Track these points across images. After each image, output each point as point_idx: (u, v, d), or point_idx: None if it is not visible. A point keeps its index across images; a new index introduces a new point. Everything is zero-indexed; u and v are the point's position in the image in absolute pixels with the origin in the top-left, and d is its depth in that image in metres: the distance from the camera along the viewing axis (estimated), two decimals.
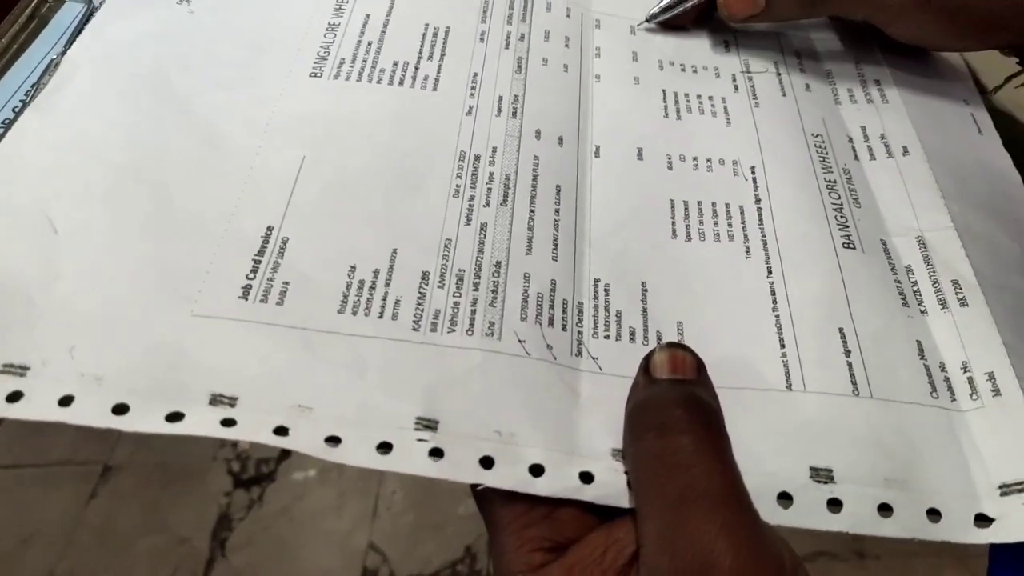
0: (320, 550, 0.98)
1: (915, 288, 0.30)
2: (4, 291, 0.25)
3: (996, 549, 0.34)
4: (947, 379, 0.27)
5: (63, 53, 0.33)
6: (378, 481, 1.03)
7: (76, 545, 0.97)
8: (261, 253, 0.27)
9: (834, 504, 0.24)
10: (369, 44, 0.35)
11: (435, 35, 0.36)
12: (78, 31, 0.34)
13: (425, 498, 1.02)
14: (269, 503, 1.01)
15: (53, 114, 0.30)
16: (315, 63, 0.34)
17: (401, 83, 0.34)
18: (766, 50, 0.39)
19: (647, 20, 0.39)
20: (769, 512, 0.23)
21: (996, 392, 0.27)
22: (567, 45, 0.38)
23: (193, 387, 0.23)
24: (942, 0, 0.35)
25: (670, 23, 0.39)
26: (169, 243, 0.27)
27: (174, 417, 0.23)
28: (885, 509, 0.24)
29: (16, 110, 0.31)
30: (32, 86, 0.32)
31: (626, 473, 0.24)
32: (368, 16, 0.37)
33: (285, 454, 1.05)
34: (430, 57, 0.35)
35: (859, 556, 0.96)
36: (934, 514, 0.24)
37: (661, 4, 0.39)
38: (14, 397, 0.23)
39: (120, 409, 0.23)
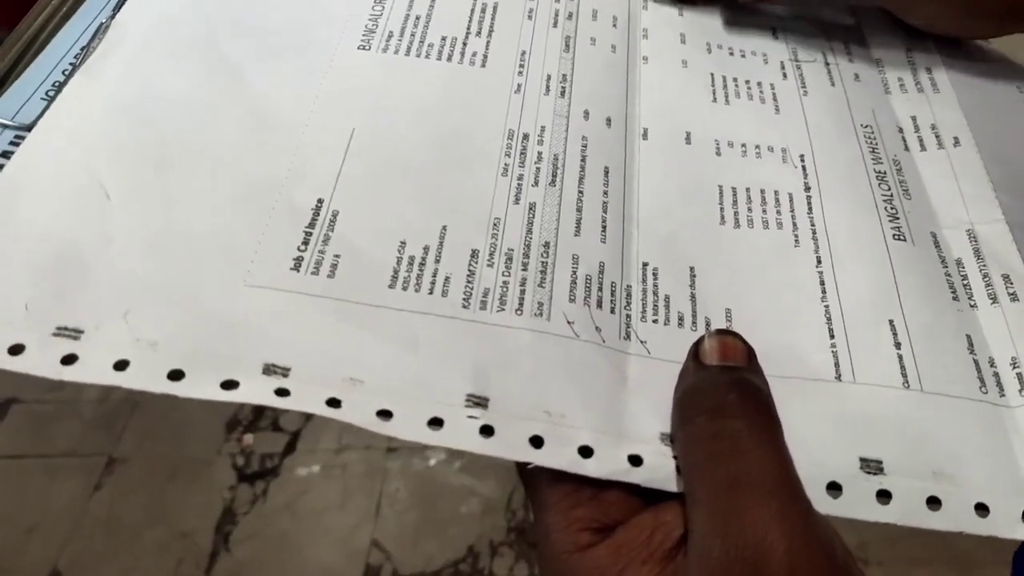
0: (323, 546, 0.97)
1: (965, 282, 0.30)
2: (58, 256, 0.25)
3: (1022, 550, 0.34)
4: (996, 374, 0.27)
5: (112, 16, 0.32)
6: (381, 478, 1.03)
7: (80, 536, 0.96)
8: (312, 225, 0.27)
9: (883, 496, 0.24)
10: (417, 18, 0.35)
11: (483, 11, 0.36)
12: None
13: (428, 496, 1.02)
14: (273, 498, 1.01)
15: (102, 79, 0.30)
16: (363, 36, 0.34)
17: (450, 59, 0.34)
18: (814, 38, 0.39)
19: None
20: (819, 502, 0.23)
21: None
22: (615, 25, 0.37)
23: (247, 356, 0.23)
24: None
25: None
26: (221, 212, 0.27)
27: (229, 385, 0.23)
28: (934, 502, 0.24)
29: (66, 72, 0.31)
30: (82, 49, 0.32)
31: (675, 457, 0.23)
32: None
33: (289, 449, 1.05)
34: (478, 33, 0.35)
35: (863, 563, 0.96)
36: (982, 509, 0.24)
37: None
38: (69, 360, 0.22)
39: (176, 375, 0.22)
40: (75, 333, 0.23)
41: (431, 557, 0.98)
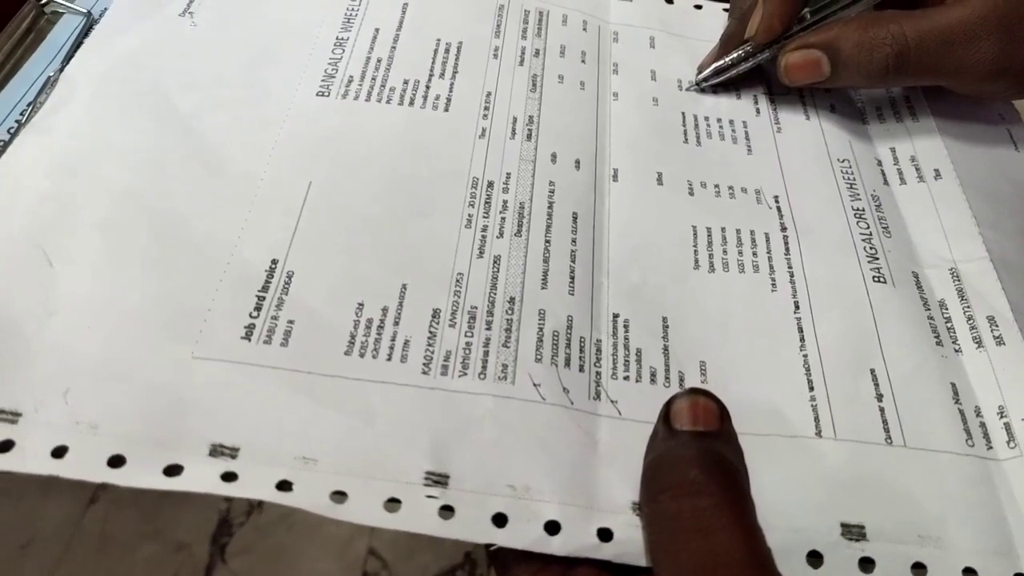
0: (320, 556, 0.97)
1: (949, 325, 0.29)
2: None
3: None
4: (983, 424, 0.26)
5: (61, 69, 0.31)
6: None
7: (75, 551, 0.96)
8: (265, 289, 0.26)
9: (866, 563, 0.23)
10: (379, 61, 0.34)
11: (447, 51, 0.35)
12: (77, 45, 0.33)
13: None
14: (269, 509, 1.00)
15: (50, 136, 0.29)
16: (323, 81, 0.33)
17: (412, 103, 0.33)
18: None
19: (696, 84, 0.36)
20: (799, 573, 0.22)
21: None
22: (584, 60, 0.36)
23: (192, 437, 0.22)
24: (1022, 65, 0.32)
25: (721, 85, 0.37)
26: (169, 278, 0.26)
27: (172, 471, 0.21)
28: (919, 568, 0.23)
29: (12, 131, 0.30)
30: (28, 105, 0.31)
31: (644, 532, 0.22)
32: (378, 31, 0.35)
33: None
34: (442, 75, 0.34)
35: None
36: (970, 573, 0.23)
37: (713, 67, 0.36)
38: (5, 447, 0.21)
39: (116, 461, 0.21)
40: (13, 416, 0.22)
41: (428, 565, 0.97)
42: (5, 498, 1.02)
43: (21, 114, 0.30)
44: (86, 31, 0.35)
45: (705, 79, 0.36)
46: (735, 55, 0.35)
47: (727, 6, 0.40)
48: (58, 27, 0.35)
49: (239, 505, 1.04)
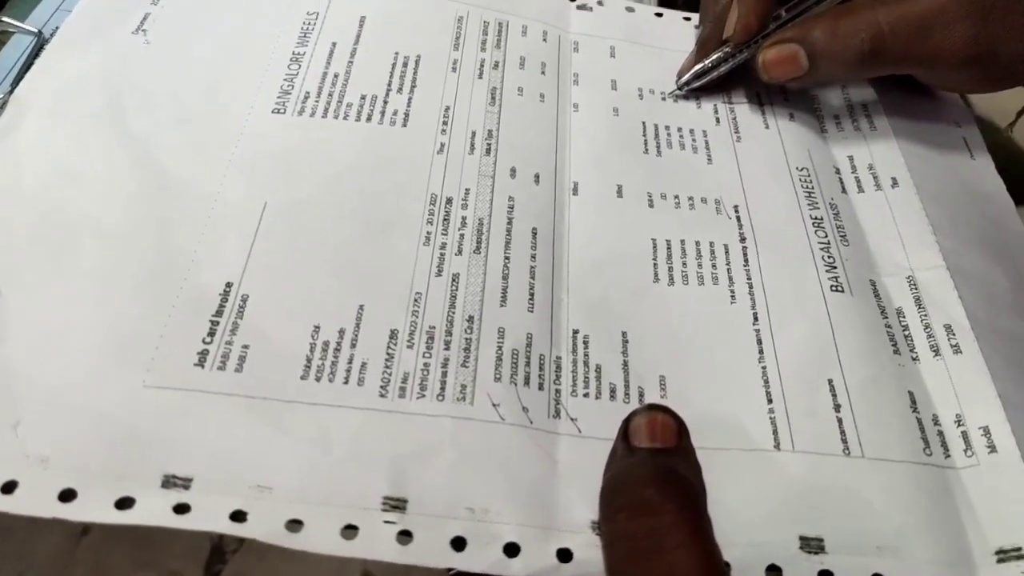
0: None
1: (906, 333, 0.29)
2: None
3: None
4: (940, 433, 0.26)
5: (11, 91, 0.31)
6: None
7: None
8: (219, 313, 0.26)
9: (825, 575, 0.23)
10: (336, 76, 0.34)
11: (405, 65, 0.35)
12: (27, 66, 0.32)
13: None
14: None
15: (1, 161, 0.28)
16: (278, 98, 0.33)
17: (369, 119, 0.32)
18: (748, 77, 0.38)
19: (678, 88, 0.37)
20: None
21: (992, 448, 0.26)
22: (543, 72, 0.36)
23: (145, 468, 0.22)
24: (1009, 55, 0.32)
25: (702, 88, 0.37)
26: (121, 302, 0.25)
27: (124, 503, 0.21)
28: None
29: None
30: None
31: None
32: (335, 45, 0.35)
33: None
34: (400, 89, 0.34)
35: None
36: None
37: (693, 71, 0.36)
38: None
39: (67, 496, 0.21)
40: None
41: None
42: None
43: None
44: (36, 51, 0.34)
45: (687, 83, 0.36)
46: (714, 57, 0.36)
47: (688, 15, 0.41)
48: (8, 47, 0.35)
49: None
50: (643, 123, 0.35)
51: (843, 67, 0.33)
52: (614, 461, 0.23)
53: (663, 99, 0.36)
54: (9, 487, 0.21)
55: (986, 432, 0.26)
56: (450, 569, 0.22)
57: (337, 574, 1.03)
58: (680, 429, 0.23)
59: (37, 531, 1.00)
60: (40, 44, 0.35)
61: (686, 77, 0.36)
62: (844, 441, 0.25)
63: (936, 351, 0.28)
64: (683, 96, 0.36)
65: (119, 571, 1.05)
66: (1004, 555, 0.23)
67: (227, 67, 0.33)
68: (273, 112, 0.32)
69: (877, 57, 0.32)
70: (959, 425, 0.26)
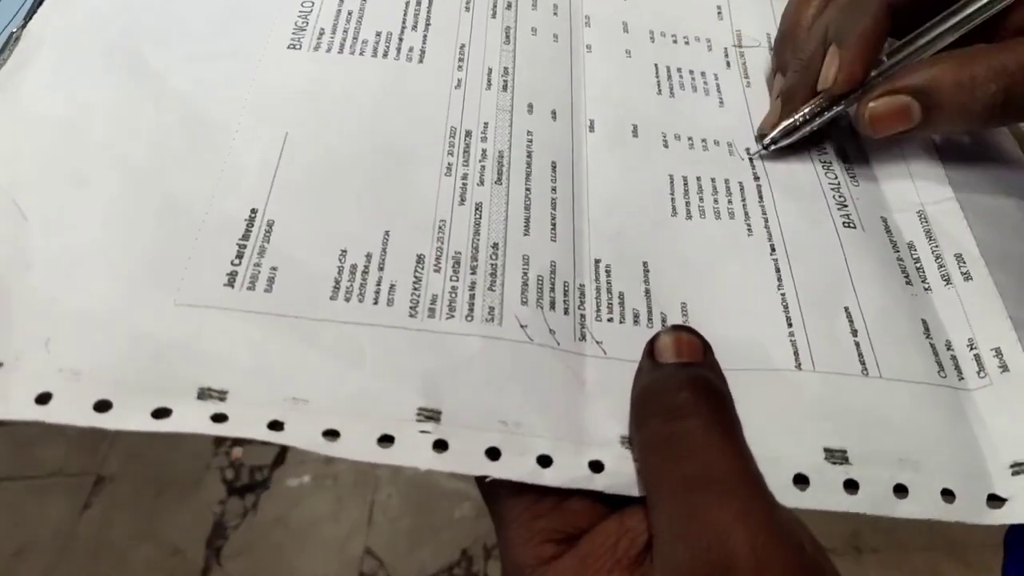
0: (316, 557, 0.97)
1: (918, 265, 0.30)
2: None
3: (1012, 533, 0.33)
4: (954, 357, 0.27)
5: (23, 26, 0.31)
6: (373, 486, 1.02)
7: (70, 557, 0.95)
8: (246, 237, 0.26)
9: (850, 486, 0.23)
10: (350, 13, 0.34)
11: (419, 3, 0.35)
12: (38, 2, 0.32)
13: (421, 502, 1.01)
14: (264, 510, 1.00)
15: (16, 93, 0.29)
16: (293, 34, 0.33)
17: (385, 55, 0.33)
18: (759, 19, 0.38)
19: (764, 148, 0.32)
20: (786, 496, 0.23)
21: (1004, 368, 0.26)
22: (555, 13, 0.37)
23: (179, 381, 0.22)
24: None
25: (792, 146, 0.33)
26: (147, 228, 0.25)
27: (161, 413, 0.21)
28: (900, 490, 0.23)
29: None
30: None
31: (635, 460, 0.23)
32: None
33: (279, 461, 1.04)
34: (414, 27, 0.34)
35: (856, 551, 0.96)
36: (948, 495, 0.23)
37: (782, 127, 0.32)
38: None
39: (102, 406, 0.21)
40: None
41: (425, 563, 0.98)
42: None
43: None
44: None
45: (774, 140, 0.32)
46: (806, 111, 0.31)
47: None
48: None
49: (234, 507, 1.04)
50: (655, 65, 0.36)
51: (968, 119, 0.29)
52: (641, 376, 0.24)
53: (748, 158, 0.33)
54: (43, 398, 0.21)
55: (998, 353, 0.27)
56: (484, 478, 0.22)
57: (339, 550, 1.04)
58: (705, 346, 0.24)
59: (38, 506, 1.01)
60: None
61: (774, 134, 0.32)
62: (862, 363, 0.26)
63: (947, 280, 0.29)
64: (768, 156, 0.33)
65: (119, 547, 1.05)
66: (1018, 467, 0.24)
67: (238, 6, 0.33)
68: (288, 47, 0.32)
69: (1009, 106, 0.28)
70: (971, 349, 0.27)
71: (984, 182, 0.32)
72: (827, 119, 0.31)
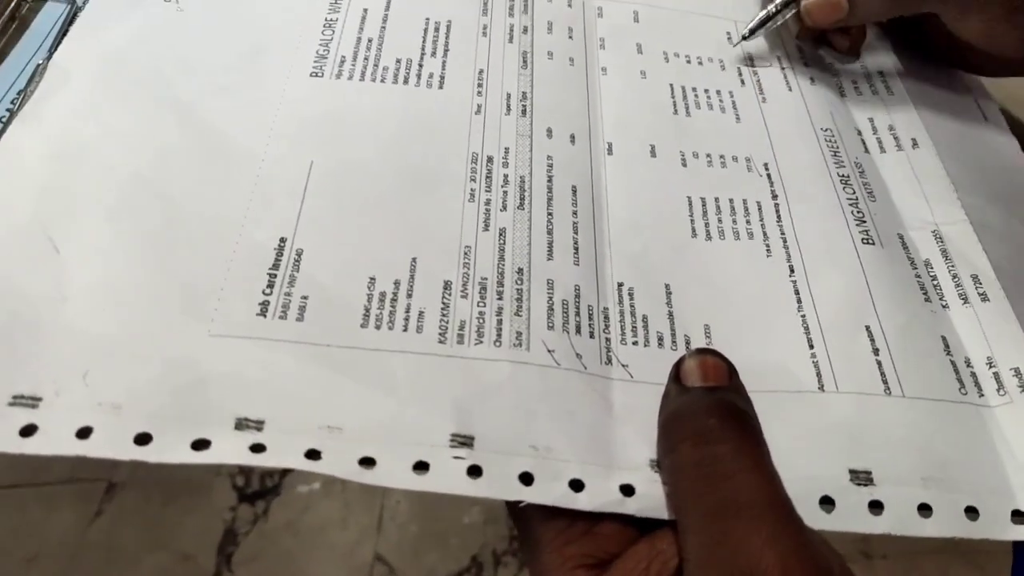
0: (326, 563, 0.97)
1: (935, 282, 0.30)
2: (9, 316, 0.24)
3: (1020, 547, 0.34)
4: (973, 374, 0.27)
5: (49, 57, 0.31)
6: (382, 492, 1.02)
7: (81, 564, 0.95)
8: (276, 266, 0.26)
9: (875, 506, 0.24)
10: (370, 41, 0.34)
11: (436, 30, 0.35)
12: (62, 33, 0.33)
13: (430, 508, 1.01)
14: (274, 517, 1.00)
15: (45, 124, 0.29)
16: (315, 62, 0.33)
17: (406, 81, 0.33)
18: (768, 43, 0.39)
19: (744, 39, 0.38)
20: (813, 517, 0.23)
21: (1023, 388, 0.27)
22: (571, 37, 0.37)
23: (217, 412, 0.22)
24: None
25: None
26: (179, 258, 0.26)
27: (200, 445, 0.22)
28: (925, 509, 0.24)
29: (3, 120, 0.29)
30: (18, 94, 0.30)
31: (665, 484, 0.23)
32: (366, 10, 0.36)
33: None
34: (433, 53, 0.34)
35: (866, 556, 0.96)
36: (972, 512, 0.24)
37: (758, 18, 0.38)
38: (28, 431, 0.21)
39: (143, 439, 0.22)
40: (33, 401, 0.22)
41: (434, 568, 0.98)
42: (9, 512, 1.02)
43: (12, 102, 0.30)
44: (71, 19, 0.34)
45: (751, 30, 0.38)
46: (771, 7, 0.38)
47: None
48: (41, 15, 0.35)
49: (244, 514, 1.04)
50: (671, 85, 0.36)
51: (881, 4, 0.35)
52: (669, 401, 0.24)
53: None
54: (84, 432, 0.21)
55: (1017, 373, 0.27)
56: (518, 503, 0.22)
57: (349, 556, 1.04)
58: (730, 369, 0.24)
59: (50, 514, 1.01)
60: (73, 12, 0.35)
61: (752, 24, 0.38)
62: (884, 382, 0.26)
63: (965, 299, 0.29)
64: (746, 40, 0.38)
65: (131, 553, 1.05)
66: None
67: (260, 34, 0.34)
68: (311, 76, 0.33)
69: None
70: (991, 367, 0.27)
71: (996, 204, 0.33)
72: (789, 14, 0.37)
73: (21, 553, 0.96)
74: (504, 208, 0.29)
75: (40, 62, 0.31)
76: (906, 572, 0.96)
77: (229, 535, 0.99)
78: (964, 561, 0.96)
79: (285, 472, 1.04)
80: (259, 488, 1.02)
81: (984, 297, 0.29)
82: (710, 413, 0.22)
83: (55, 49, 0.32)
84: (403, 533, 1.00)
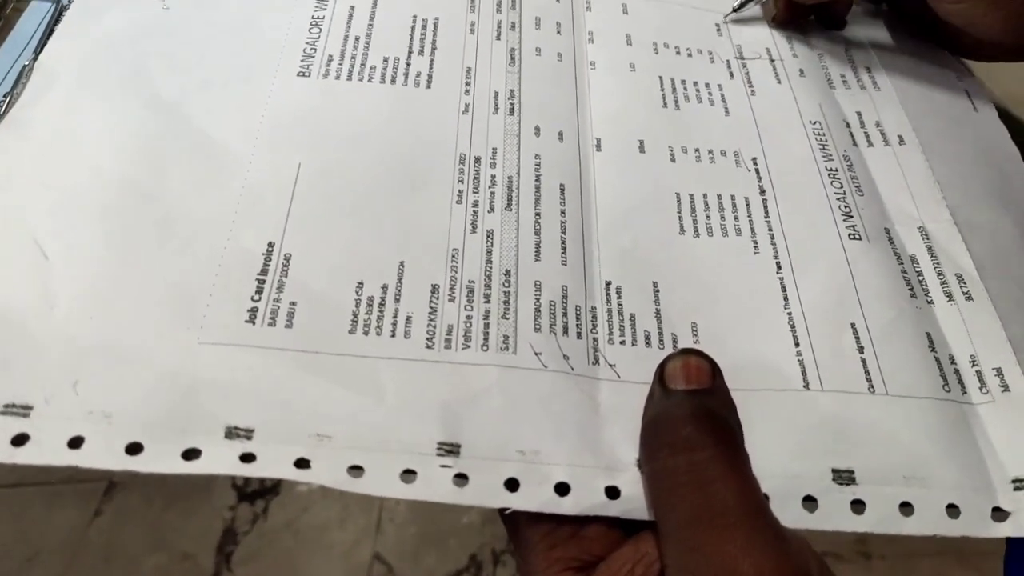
0: (325, 563, 0.97)
1: (921, 278, 0.30)
2: None
3: (1012, 546, 0.34)
4: (957, 371, 0.28)
5: (35, 58, 0.31)
6: None
7: (81, 564, 0.96)
8: (264, 272, 0.26)
9: (857, 504, 0.24)
10: (356, 39, 0.34)
11: (424, 28, 0.35)
12: (48, 33, 0.32)
13: (429, 509, 1.01)
14: (274, 517, 1.00)
15: (32, 127, 0.29)
16: (302, 61, 0.33)
17: (393, 81, 0.33)
18: (756, 35, 0.39)
19: (734, 11, 0.39)
20: (795, 517, 0.23)
21: (1005, 388, 0.27)
22: (559, 32, 0.37)
23: (207, 420, 0.22)
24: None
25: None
26: (168, 263, 0.26)
27: (191, 454, 0.22)
28: (906, 507, 0.24)
29: None
30: (4, 96, 0.30)
31: (645, 490, 0.23)
32: (353, 8, 0.35)
33: None
34: (421, 52, 0.34)
35: (865, 557, 0.96)
36: (953, 509, 0.24)
37: None
38: (19, 440, 0.21)
39: (134, 448, 0.22)
40: (24, 410, 0.22)
41: (433, 568, 0.98)
42: (10, 512, 1.02)
43: None
44: (56, 18, 0.34)
45: (742, 4, 0.39)
46: None
47: None
48: (26, 15, 0.34)
49: (244, 514, 1.05)
50: (660, 78, 0.36)
51: None
52: (652, 403, 0.24)
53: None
54: (76, 442, 0.22)
55: (999, 373, 0.27)
56: (504, 509, 0.22)
57: (348, 556, 1.04)
58: (714, 370, 0.24)
59: (49, 513, 1.01)
60: (59, 12, 0.34)
61: (735, 3, 0.39)
62: (869, 380, 0.27)
63: (949, 296, 0.30)
64: (737, 16, 0.39)
65: (131, 553, 1.05)
66: (1020, 484, 0.25)
67: (247, 32, 0.34)
68: (298, 75, 0.32)
69: None
70: (974, 365, 0.28)
71: (982, 202, 0.33)
72: None
73: (22, 552, 0.96)
74: (492, 209, 0.29)
75: (26, 63, 0.31)
76: (905, 573, 0.97)
77: (229, 535, 0.99)
78: (962, 563, 0.96)
79: None
80: (259, 488, 1.03)
81: (968, 296, 0.30)
82: (687, 421, 0.22)
83: (41, 50, 0.31)
84: (402, 533, 1.00)
